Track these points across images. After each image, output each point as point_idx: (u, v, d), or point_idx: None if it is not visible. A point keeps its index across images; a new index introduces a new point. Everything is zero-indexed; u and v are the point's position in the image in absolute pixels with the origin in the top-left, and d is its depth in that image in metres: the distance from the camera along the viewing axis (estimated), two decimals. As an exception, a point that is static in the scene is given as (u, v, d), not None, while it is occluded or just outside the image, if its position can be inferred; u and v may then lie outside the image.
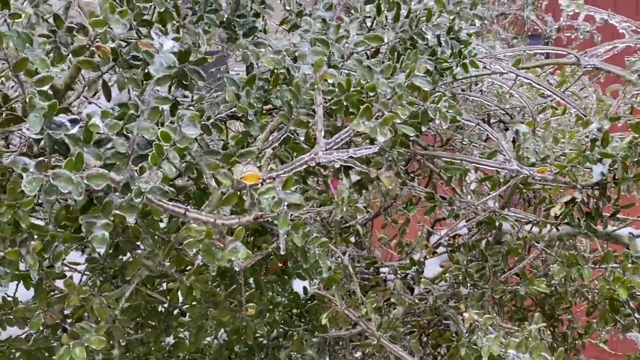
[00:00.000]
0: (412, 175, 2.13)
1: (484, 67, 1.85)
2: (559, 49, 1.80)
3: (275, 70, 1.18)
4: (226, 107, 1.16)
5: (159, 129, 0.78)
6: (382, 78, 0.99)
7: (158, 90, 0.80)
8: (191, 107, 1.19)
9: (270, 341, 1.55)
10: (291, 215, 0.96)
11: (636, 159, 1.45)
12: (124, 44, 1.08)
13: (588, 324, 2.09)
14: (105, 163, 0.76)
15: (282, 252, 0.91)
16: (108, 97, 1.01)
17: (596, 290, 1.63)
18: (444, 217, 2.18)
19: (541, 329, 1.43)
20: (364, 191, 2.20)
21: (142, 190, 0.74)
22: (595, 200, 1.58)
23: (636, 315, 1.51)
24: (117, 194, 0.75)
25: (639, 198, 1.55)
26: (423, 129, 1.25)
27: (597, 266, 1.49)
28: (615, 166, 1.44)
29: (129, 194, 0.74)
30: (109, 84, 1.12)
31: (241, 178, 0.94)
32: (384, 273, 2.11)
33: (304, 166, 0.90)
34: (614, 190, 1.57)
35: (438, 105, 1.07)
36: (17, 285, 1.15)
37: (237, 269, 0.87)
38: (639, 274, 1.44)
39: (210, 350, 1.45)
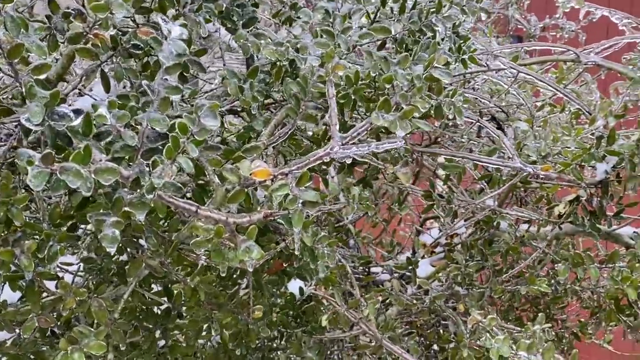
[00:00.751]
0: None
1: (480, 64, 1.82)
2: (558, 45, 1.78)
3: (278, 63, 1.13)
4: (227, 100, 1.10)
5: (170, 120, 0.72)
6: (399, 69, 0.95)
7: (167, 80, 0.75)
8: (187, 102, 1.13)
9: (267, 343, 1.50)
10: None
11: (643, 157, 1.43)
12: (120, 32, 1.03)
13: (582, 324, 2.08)
14: (113, 157, 0.71)
15: (297, 252, 0.86)
16: (107, 88, 0.95)
17: (601, 290, 1.61)
18: (432, 216, 2.15)
19: (546, 330, 1.40)
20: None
21: (155, 185, 0.68)
22: (599, 198, 1.56)
23: (642, 315, 1.49)
24: (125, 189, 0.69)
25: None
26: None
27: (604, 266, 1.47)
28: (622, 164, 1.42)
29: (140, 190, 0.69)
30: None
31: (251, 174, 0.89)
32: (376, 273, 2.07)
33: (319, 161, 0.85)
34: (616, 189, 1.56)
35: (453, 100, 1.03)
36: (2, 287, 1.08)
37: (250, 269, 0.82)
38: (646, 273, 1.43)
39: (205, 353, 1.40)
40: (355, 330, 1.51)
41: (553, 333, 2.14)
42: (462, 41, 1.45)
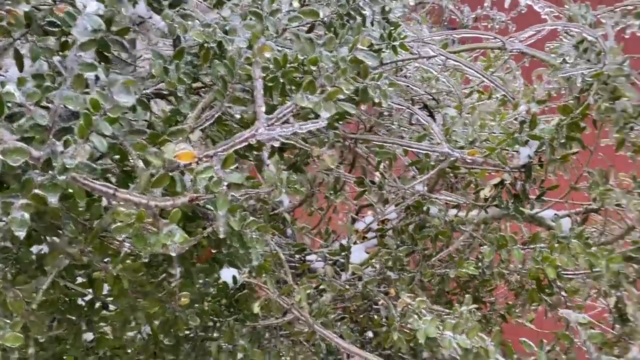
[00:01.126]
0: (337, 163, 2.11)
1: (411, 52, 1.85)
2: (486, 33, 1.82)
3: (206, 45, 1.10)
4: (152, 82, 1.07)
5: (84, 99, 0.69)
6: (324, 51, 0.94)
7: (81, 56, 0.71)
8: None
9: (199, 333, 1.48)
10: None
11: (563, 141, 1.48)
12: (35, 9, 0.97)
13: (509, 305, 2.15)
14: (23, 137, 0.67)
15: (222, 236, 0.84)
16: (21, 68, 0.90)
17: (525, 271, 1.67)
18: (367, 204, 2.17)
19: (472, 311, 1.43)
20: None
21: (67, 166, 0.65)
22: (522, 182, 1.61)
23: (562, 293, 1.55)
24: (36, 171, 0.66)
25: (568, 179, 1.60)
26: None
27: (526, 247, 1.52)
28: (543, 148, 1.47)
29: (52, 171, 0.65)
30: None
31: (175, 157, 0.86)
32: (311, 261, 2.08)
33: (244, 144, 0.84)
34: (538, 173, 1.61)
35: (379, 83, 1.04)
36: None
37: (173, 254, 0.79)
38: (565, 254, 1.49)
39: (134, 345, 1.36)
40: (288, 317, 1.51)
41: (481, 315, 2.21)
42: (392, 28, 1.46)
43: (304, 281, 1.43)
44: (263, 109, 0.85)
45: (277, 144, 0.96)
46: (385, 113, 2.04)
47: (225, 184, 0.82)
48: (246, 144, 0.88)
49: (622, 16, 1.59)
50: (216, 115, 0.99)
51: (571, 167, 1.79)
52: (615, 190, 1.48)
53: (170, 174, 0.90)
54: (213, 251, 1.14)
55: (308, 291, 1.45)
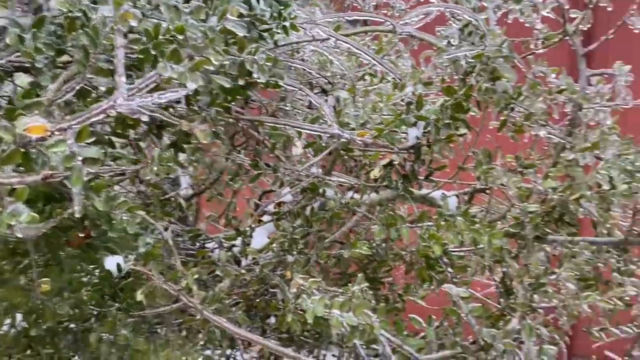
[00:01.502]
0: (239, 149, 2.08)
1: (305, 34, 1.83)
2: (377, 16, 1.83)
3: (70, 14, 1.03)
4: (8, 53, 0.99)
5: None
6: (191, 19, 0.90)
7: None
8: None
9: (80, 324, 1.40)
10: (91, 176, 0.84)
11: (447, 121, 1.52)
12: None
13: (407, 285, 2.20)
14: None
15: (77, 215, 0.79)
16: None
17: (414, 250, 1.70)
18: (270, 189, 2.15)
19: (364, 290, 1.44)
20: (191, 168, 2.10)
21: None
22: (411, 163, 1.64)
23: (449, 270, 1.59)
24: None
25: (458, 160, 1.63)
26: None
27: (414, 225, 1.55)
28: (428, 129, 1.50)
29: None
30: None
31: (24, 130, 0.80)
32: (210, 248, 2.03)
33: (102, 115, 0.78)
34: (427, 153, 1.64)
35: (255, 57, 1.01)
36: None
37: (19, 235, 0.73)
38: (452, 231, 1.52)
39: (6, 339, 1.27)
40: (177, 305, 1.46)
41: (376, 294, 2.25)
42: (282, 7, 1.44)
43: (189, 267, 1.38)
44: (123, 79, 0.80)
45: (145, 118, 0.90)
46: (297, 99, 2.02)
47: (80, 158, 0.76)
48: (113, 118, 0.83)
49: (504, 1, 1.64)
50: (77, 87, 0.93)
51: (459, 148, 1.84)
52: (497, 169, 1.53)
53: (24, 150, 0.83)
54: (83, 236, 1.07)
55: (196, 276, 1.40)
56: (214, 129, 1.13)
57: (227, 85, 0.91)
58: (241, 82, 1.27)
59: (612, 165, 1.40)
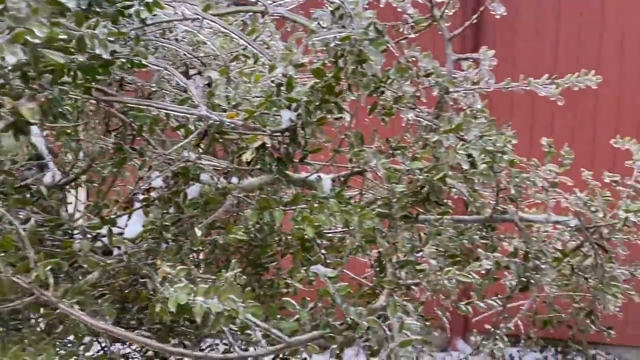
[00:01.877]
0: (114, 133, 1.97)
1: (176, 13, 1.76)
2: (251, -4, 1.79)
3: None
4: None
5: None
6: (12, -13, 0.82)
7: None
8: None
9: None
10: None
11: (318, 103, 1.51)
12: None
13: (293, 269, 2.20)
14: None
15: None
16: None
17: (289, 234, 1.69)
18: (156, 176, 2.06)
19: (237, 275, 1.41)
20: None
21: None
22: (285, 146, 1.62)
23: (322, 251, 1.59)
24: None
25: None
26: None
27: (288, 208, 1.53)
28: (299, 111, 1.48)
29: None
30: None
31: None
32: (77, 239, 1.91)
33: None
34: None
35: (95, 32, 0.94)
36: None
37: None
38: (324, 213, 1.52)
39: None
40: (30, 299, 1.35)
41: (260, 279, 2.23)
42: (145, -18, 1.36)
43: (42, 257, 1.28)
44: None
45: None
46: (165, 79, 1.94)
47: None
48: None
49: (374, -16, 1.65)
50: None
51: (336, 132, 1.85)
52: (366, 151, 1.55)
53: None
54: None
55: (49, 267, 1.30)
56: (60, 110, 1.04)
57: (61, 61, 0.83)
58: (100, 61, 1.19)
59: (473, 146, 1.45)
